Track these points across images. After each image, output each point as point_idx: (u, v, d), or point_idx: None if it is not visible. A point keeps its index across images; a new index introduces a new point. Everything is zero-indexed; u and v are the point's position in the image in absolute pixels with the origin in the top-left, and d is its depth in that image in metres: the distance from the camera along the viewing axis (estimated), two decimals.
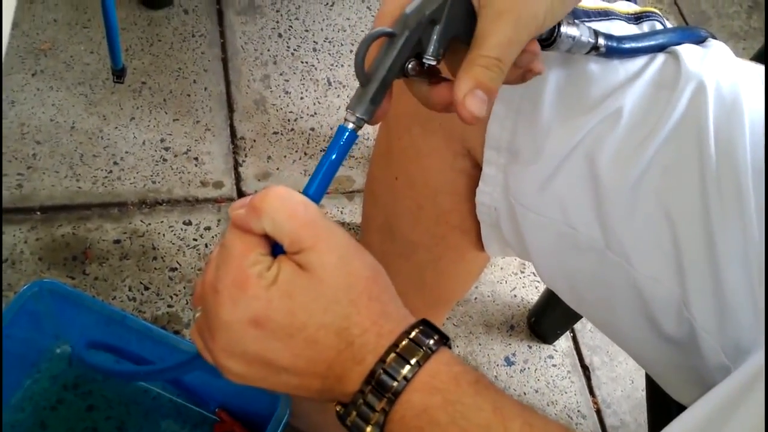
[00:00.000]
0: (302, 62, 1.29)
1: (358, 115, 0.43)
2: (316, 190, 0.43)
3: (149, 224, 1.04)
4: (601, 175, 0.51)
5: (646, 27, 0.56)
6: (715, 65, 0.52)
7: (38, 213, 1.02)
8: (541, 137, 0.53)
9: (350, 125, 0.43)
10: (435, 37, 0.42)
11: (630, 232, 0.51)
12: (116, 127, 1.13)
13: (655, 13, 0.58)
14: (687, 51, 0.53)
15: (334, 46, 1.33)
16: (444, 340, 0.40)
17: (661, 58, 0.53)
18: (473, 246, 0.65)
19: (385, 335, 0.39)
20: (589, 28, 0.49)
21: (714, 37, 0.55)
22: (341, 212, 1.12)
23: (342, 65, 1.31)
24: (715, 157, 0.49)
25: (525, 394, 1.00)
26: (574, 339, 1.07)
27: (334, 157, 0.44)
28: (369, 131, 1.22)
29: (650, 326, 0.53)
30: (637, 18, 0.57)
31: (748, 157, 0.48)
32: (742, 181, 0.47)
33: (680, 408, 0.58)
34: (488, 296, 1.08)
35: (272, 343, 0.39)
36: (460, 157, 0.59)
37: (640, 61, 0.53)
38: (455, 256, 0.68)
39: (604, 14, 0.56)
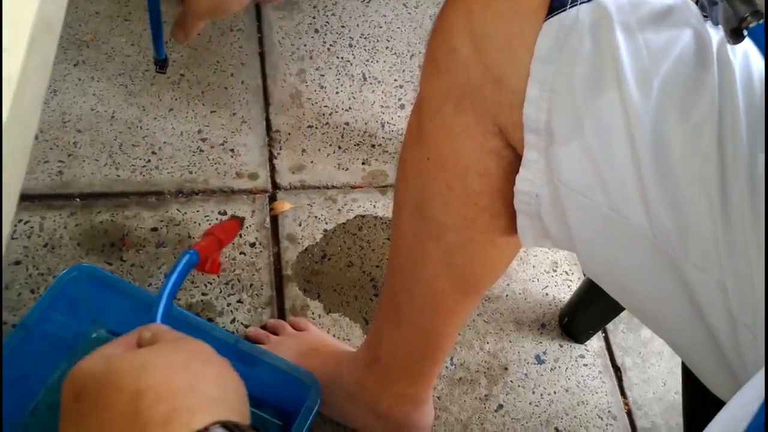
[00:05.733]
0: (338, 57, 1.30)
1: None
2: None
3: (185, 213, 1.06)
4: (641, 153, 0.50)
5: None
6: (744, 48, 0.52)
7: (78, 200, 1.04)
8: (580, 113, 0.52)
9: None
10: None
11: (674, 216, 0.51)
12: (155, 118, 1.15)
13: None
14: (714, 32, 0.53)
15: (369, 42, 1.33)
16: None
17: (689, 33, 0.53)
18: (503, 231, 0.65)
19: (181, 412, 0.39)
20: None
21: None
22: (374, 206, 1.13)
23: (377, 61, 1.31)
24: (750, 142, 0.48)
25: (555, 393, 1.00)
26: (606, 339, 1.06)
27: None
28: (404, 128, 1.22)
29: (694, 316, 0.52)
30: None
31: None
32: None
33: (717, 408, 0.58)
34: (520, 294, 1.08)
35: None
36: (491, 136, 0.59)
37: (664, 36, 0.53)
38: (485, 240, 0.67)
39: None
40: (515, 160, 0.59)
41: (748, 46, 0.53)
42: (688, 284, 0.51)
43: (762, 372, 0.37)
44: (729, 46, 0.52)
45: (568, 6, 0.53)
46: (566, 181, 0.55)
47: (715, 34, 0.53)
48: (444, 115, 0.61)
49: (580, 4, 0.53)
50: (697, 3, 0.55)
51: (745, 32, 0.47)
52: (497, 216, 0.64)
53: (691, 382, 0.60)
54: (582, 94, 0.52)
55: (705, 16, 0.54)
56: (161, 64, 0.87)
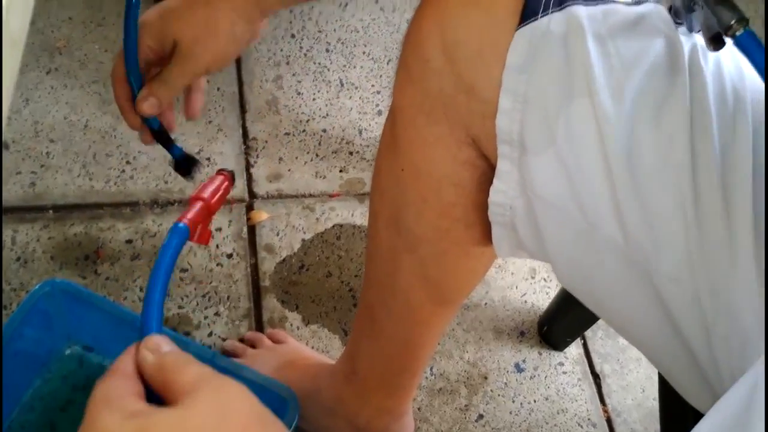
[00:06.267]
0: (315, 63, 1.29)
1: None
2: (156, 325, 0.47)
3: (161, 224, 1.05)
4: (613, 163, 0.50)
5: (650, 7, 0.55)
6: (716, 56, 0.52)
7: (51, 212, 1.03)
8: (552, 124, 0.52)
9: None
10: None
11: (646, 226, 0.50)
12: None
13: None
14: (686, 40, 0.53)
15: (347, 47, 1.32)
16: None
17: (660, 42, 0.53)
18: (478, 242, 0.65)
19: None
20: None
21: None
22: (352, 215, 1.12)
23: (354, 66, 1.30)
24: (721, 151, 0.48)
25: (535, 401, 1.00)
26: (585, 346, 1.07)
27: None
28: (379, 127, 1.22)
29: (669, 328, 0.52)
30: (636, 2, 0.56)
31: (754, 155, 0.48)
32: (758, 178, 0.47)
33: (695, 417, 0.58)
34: (498, 301, 1.08)
35: None
36: (465, 147, 0.59)
37: (636, 44, 0.52)
38: (459, 251, 0.67)
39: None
40: (489, 170, 0.59)
41: (719, 54, 0.53)
42: (662, 296, 0.51)
43: (738, 384, 0.37)
44: (700, 54, 0.52)
45: (540, 15, 0.53)
46: (539, 192, 0.55)
47: (687, 42, 0.53)
48: (417, 125, 0.61)
49: (552, 13, 0.53)
50: (670, 10, 0.54)
51: (730, 40, 0.47)
52: (472, 227, 0.64)
53: (667, 390, 0.60)
54: (554, 104, 0.52)
55: (678, 23, 0.54)
56: (185, 164, 0.78)
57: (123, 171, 1.09)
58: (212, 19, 0.65)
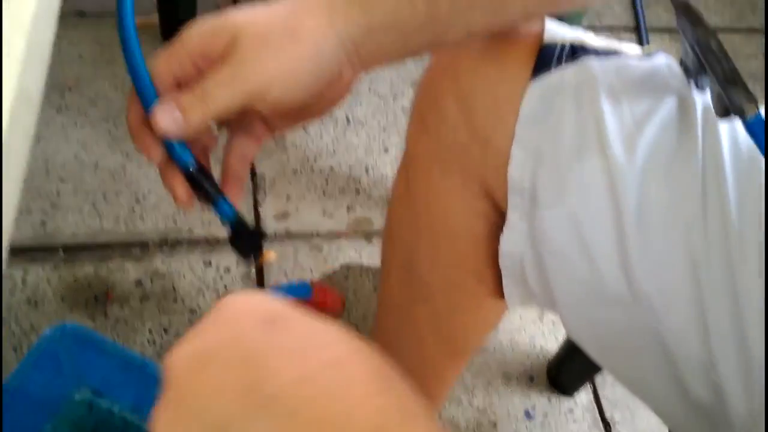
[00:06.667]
0: None
1: None
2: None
3: (170, 264, 1.05)
4: (624, 219, 0.50)
5: (661, 60, 0.56)
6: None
7: (61, 252, 1.03)
8: (564, 176, 0.52)
9: None
10: None
11: (655, 283, 0.50)
12: (139, 165, 1.14)
13: (660, 52, 0.58)
14: (698, 96, 0.53)
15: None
16: None
17: (672, 97, 0.53)
18: (490, 294, 0.65)
19: None
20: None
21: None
22: (360, 255, 1.12)
23: (360, 104, 1.31)
24: (736, 208, 0.48)
25: None
26: (595, 392, 1.06)
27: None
28: (388, 172, 1.22)
29: (677, 387, 0.52)
30: (648, 56, 0.57)
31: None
32: (763, 233, 0.47)
33: None
34: (507, 345, 1.08)
35: None
36: (479, 199, 0.59)
37: (648, 99, 0.53)
38: (472, 304, 0.67)
39: (614, 53, 0.56)
40: (502, 222, 0.59)
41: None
42: (670, 352, 0.51)
43: None
44: (713, 109, 0.53)
45: (553, 68, 0.54)
46: (548, 244, 0.55)
47: (700, 98, 0.53)
48: (432, 175, 0.61)
49: (565, 66, 0.54)
50: (681, 63, 0.55)
51: (741, 122, 0.47)
52: (485, 279, 0.64)
53: None
54: (566, 157, 0.52)
55: (690, 78, 0.54)
56: (244, 235, 0.50)
57: (133, 210, 1.09)
58: (296, 20, 0.45)
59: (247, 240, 0.51)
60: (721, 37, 0.51)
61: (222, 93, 0.44)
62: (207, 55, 0.44)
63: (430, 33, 0.48)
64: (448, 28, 0.49)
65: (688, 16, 0.51)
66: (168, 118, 0.44)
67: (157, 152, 0.46)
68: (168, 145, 0.46)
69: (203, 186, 0.47)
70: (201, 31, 0.44)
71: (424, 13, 0.47)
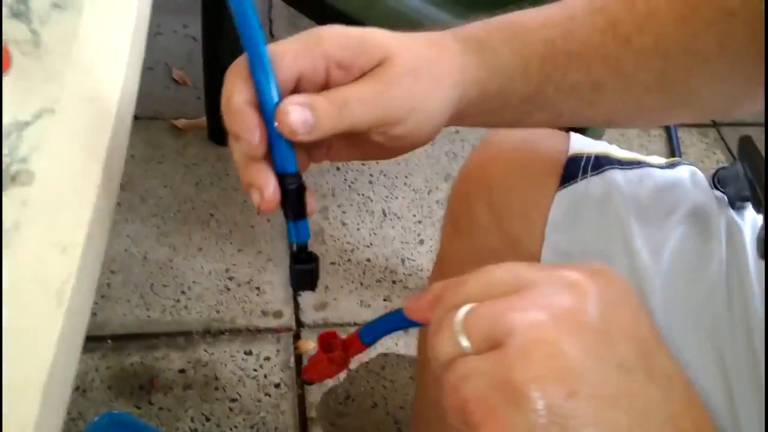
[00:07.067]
0: (359, 194, 1.36)
1: None
2: None
3: (212, 353, 1.08)
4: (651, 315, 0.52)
5: (684, 172, 0.59)
6: (749, 213, 0.55)
7: (110, 341, 1.07)
8: None
9: None
10: None
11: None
12: (185, 258, 1.20)
13: (683, 161, 0.61)
14: (721, 202, 0.56)
15: (389, 179, 1.39)
16: None
17: (695, 204, 0.56)
18: None
19: None
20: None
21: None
22: (396, 344, 1.15)
23: (396, 197, 1.36)
24: (761, 309, 0.50)
25: None
26: None
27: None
28: (424, 263, 1.26)
29: None
30: (670, 165, 0.60)
31: None
32: None
33: None
34: None
35: None
36: None
37: (671, 207, 0.56)
38: None
39: (637, 164, 0.60)
40: None
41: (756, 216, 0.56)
42: None
43: None
44: (736, 216, 0.55)
45: (579, 179, 0.58)
46: None
47: (724, 205, 0.56)
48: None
49: (590, 177, 0.58)
50: (714, 177, 0.58)
51: None
52: None
53: None
54: (594, 259, 0.55)
55: (722, 191, 0.57)
56: (306, 266, 0.47)
57: (178, 301, 1.14)
58: (439, 62, 0.44)
59: (307, 269, 0.48)
60: None
61: (361, 109, 0.41)
62: (346, 66, 0.41)
63: (526, 109, 0.48)
64: (545, 107, 0.48)
65: (750, 153, 0.51)
66: (300, 116, 0.40)
67: (257, 137, 0.41)
68: (277, 144, 0.41)
69: (300, 199, 0.43)
70: (343, 40, 0.41)
71: (535, 86, 0.46)
